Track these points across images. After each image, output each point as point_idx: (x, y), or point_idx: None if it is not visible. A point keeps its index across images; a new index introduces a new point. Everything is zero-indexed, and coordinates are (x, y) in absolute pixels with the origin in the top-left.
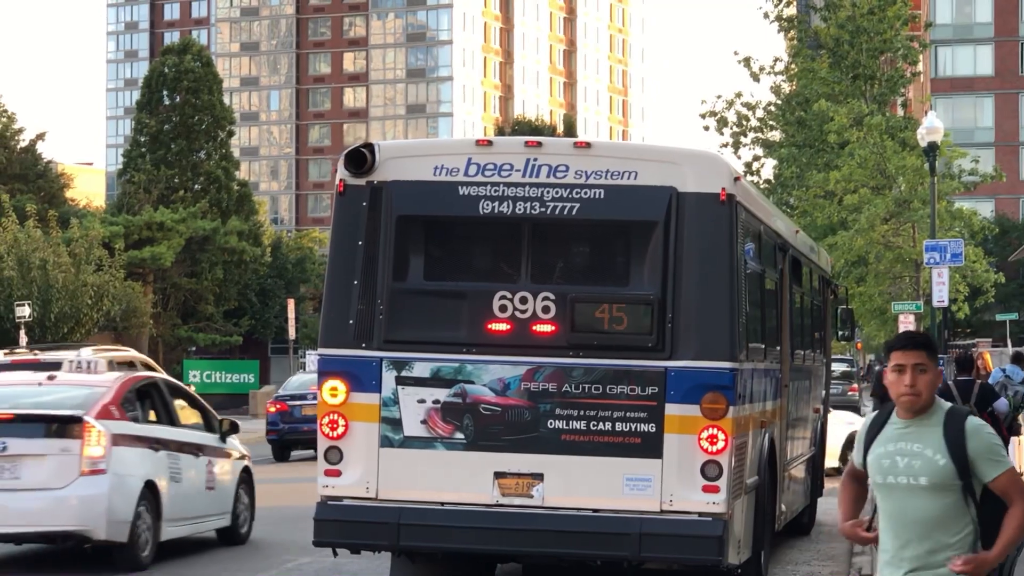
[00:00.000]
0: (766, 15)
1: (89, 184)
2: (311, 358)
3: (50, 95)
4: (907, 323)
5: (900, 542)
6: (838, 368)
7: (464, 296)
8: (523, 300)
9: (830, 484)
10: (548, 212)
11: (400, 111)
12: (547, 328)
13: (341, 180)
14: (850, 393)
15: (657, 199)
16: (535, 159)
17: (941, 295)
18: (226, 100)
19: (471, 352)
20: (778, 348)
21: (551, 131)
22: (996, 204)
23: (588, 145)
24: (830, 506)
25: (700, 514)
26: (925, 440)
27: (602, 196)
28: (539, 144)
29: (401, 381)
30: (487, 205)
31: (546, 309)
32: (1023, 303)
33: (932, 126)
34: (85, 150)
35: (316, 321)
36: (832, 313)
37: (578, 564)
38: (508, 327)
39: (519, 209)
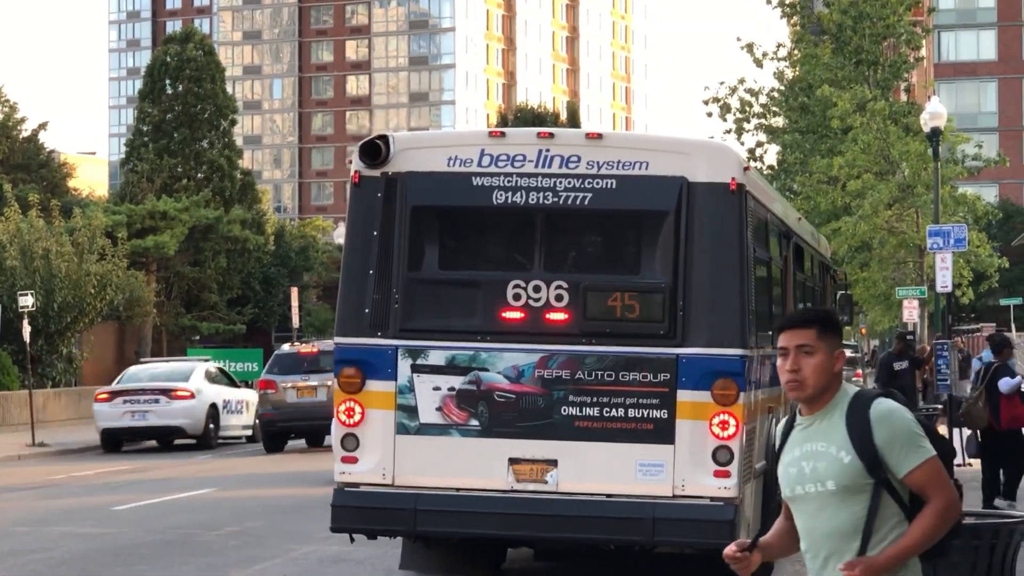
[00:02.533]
0: (768, 1)
1: (92, 173)
2: None
3: (52, 85)
4: (911, 308)
5: (819, 562)
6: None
7: (478, 285)
8: (536, 289)
9: None
10: (561, 202)
11: (403, 99)
12: (560, 316)
13: (356, 171)
14: (855, 379)
15: (668, 189)
16: (547, 150)
17: (945, 280)
18: (229, 89)
19: (485, 340)
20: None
21: (554, 118)
22: (1000, 189)
23: (600, 136)
24: None
25: (712, 499)
26: (830, 437)
27: (614, 186)
28: (551, 135)
29: (416, 369)
30: (500, 195)
31: (559, 297)
32: None
33: (935, 111)
34: (88, 139)
35: (320, 309)
36: (831, 299)
37: (590, 549)
38: (522, 315)
39: (532, 199)
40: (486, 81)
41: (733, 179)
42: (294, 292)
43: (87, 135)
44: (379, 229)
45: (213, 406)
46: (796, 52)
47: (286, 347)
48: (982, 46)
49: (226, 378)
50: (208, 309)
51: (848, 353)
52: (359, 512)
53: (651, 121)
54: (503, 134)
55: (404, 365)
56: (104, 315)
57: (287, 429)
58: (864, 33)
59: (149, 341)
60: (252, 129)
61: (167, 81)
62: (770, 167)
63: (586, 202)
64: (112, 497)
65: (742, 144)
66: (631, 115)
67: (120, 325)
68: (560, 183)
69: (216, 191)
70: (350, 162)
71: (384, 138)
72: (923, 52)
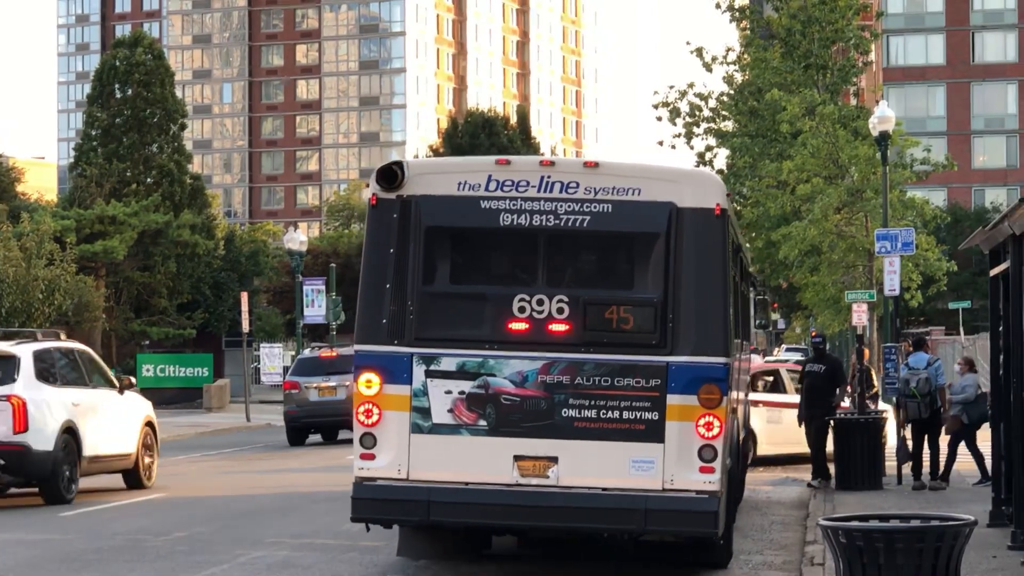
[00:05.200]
0: (718, 5)
1: (41, 178)
2: (265, 351)
3: (0, 89)
4: (860, 311)
5: None
6: (792, 358)
7: (487, 298)
8: (540, 302)
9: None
10: (561, 224)
11: (353, 103)
12: (561, 327)
13: (374, 194)
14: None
15: (659, 213)
16: (549, 176)
17: (893, 284)
18: (178, 93)
19: (493, 348)
20: (738, 341)
21: (504, 122)
22: (948, 193)
23: (596, 164)
24: (786, 493)
25: (697, 492)
26: None
27: (609, 210)
28: (552, 163)
29: (430, 374)
30: (506, 217)
31: (560, 310)
32: (976, 291)
33: (884, 115)
34: (36, 144)
35: (270, 314)
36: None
37: (571, 541)
38: (526, 326)
39: (535, 221)
40: (437, 85)
41: (717, 204)
42: (244, 297)
43: (36, 139)
44: (395, 247)
45: None
46: (746, 56)
47: (307, 352)
48: (930, 50)
49: None
50: (158, 314)
51: (798, 357)
52: (377, 504)
53: (601, 126)
54: (508, 162)
55: (418, 370)
56: (52, 320)
57: (308, 425)
58: (813, 37)
59: (98, 346)
60: (202, 133)
61: (116, 85)
62: (719, 171)
63: (584, 224)
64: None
65: (691, 148)
66: (581, 119)
67: (69, 330)
68: (561, 207)
69: (166, 195)
70: (366, 186)
71: (400, 164)
72: (872, 56)
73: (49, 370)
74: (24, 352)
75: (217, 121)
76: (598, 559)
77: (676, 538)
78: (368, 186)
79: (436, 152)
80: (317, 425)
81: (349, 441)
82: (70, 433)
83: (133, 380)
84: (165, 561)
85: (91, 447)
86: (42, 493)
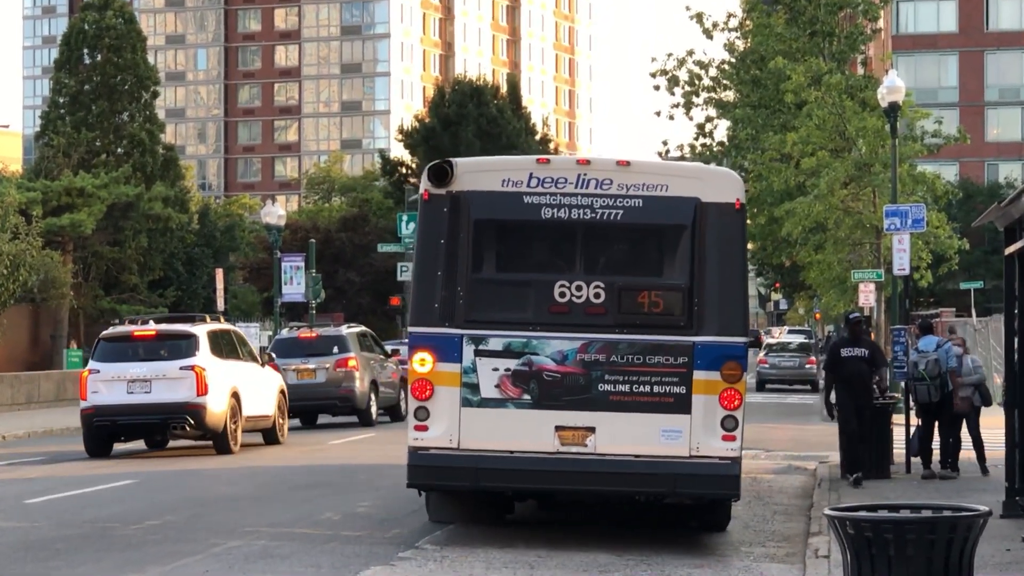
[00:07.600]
0: None
1: (5, 148)
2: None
3: None
4: (867, 292)
5: None
6: (795, 340)
7: (530, 284)
8: (578, 288)
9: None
10: (597, 217)
11: (335, 70)
12: (598, 310)
13: (426, 190)
14: (808, 366)
15: (685, 207)
16: (585, 174)
17: (902, 263)
18: (150, 59)
19: (536, 329)
20: None
21: (493, 92)
22: (960, 167)
23: (628, 163)
24: (788, 482)
25: (720, 458)
26: None
27: (640, 205)
28: (588, 162)
29: (479, 353)
30: (547, 211)
31: (597, 295)
32: (988, 271)
33: (893, 85)
34: (0, 112)
35: (246, 292)
36: None
37: (589, 507)
38: (566, 309)
39: (573, 215)
40: (423, 52)
41: (737, 200)
42: (219, 273)
43: (0, 107)
44: (446, 238)
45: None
46: (748, 22)
47: (285, 332)
48: (942, 17)
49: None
50: (128, 291)
51: (801, 339)
52: (431, 470)
53: (595, 95)
54: (548, 161)
55: (468, 350)
56: (17, 297)
57: (287, 408)
58: (819, 3)
59: (66, 324)
60: (175, 101)
61: (85, 50)
62: (720, 144)
63: (618, 217)
64: (25, 489)
65: (691, 119)
66: (575, 88)
67: (35, 308)
68: (596, 201)
69: (137, 167)
70: (418, 182)
71: (449, 162)
72: (881, 23)
73: (218, 346)
74: (201, 331)
75: (191, 89)
76: (614, 523)
77: (697, 500)
78: (420, 183)
79: (422, 122)
80: (296, 409)
81: (329, 426)
82: (235, 397)
83: (273, 355)
84: (135, 551)
85: (247, 409)
86: (215, 445)
